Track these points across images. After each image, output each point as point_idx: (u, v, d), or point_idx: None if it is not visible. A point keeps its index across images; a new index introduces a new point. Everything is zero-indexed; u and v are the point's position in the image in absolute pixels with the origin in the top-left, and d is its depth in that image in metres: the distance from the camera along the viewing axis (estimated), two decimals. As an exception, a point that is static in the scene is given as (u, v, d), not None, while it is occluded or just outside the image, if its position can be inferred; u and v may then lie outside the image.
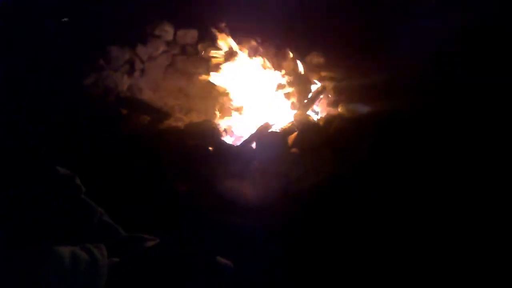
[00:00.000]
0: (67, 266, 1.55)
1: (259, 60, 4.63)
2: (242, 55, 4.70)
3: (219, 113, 4.48)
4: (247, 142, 4.01)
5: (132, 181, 3.26)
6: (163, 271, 2.02)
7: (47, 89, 3.43)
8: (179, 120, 4.07)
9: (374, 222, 3.22)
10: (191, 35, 4.97)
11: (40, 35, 4.04)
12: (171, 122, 3.97)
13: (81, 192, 2.15)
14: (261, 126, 4.12)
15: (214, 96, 4.90)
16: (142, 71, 4.65)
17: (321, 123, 4.17)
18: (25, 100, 3.28)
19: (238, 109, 4.54)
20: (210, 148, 3.70)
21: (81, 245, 1.71)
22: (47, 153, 2.77)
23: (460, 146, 3.57)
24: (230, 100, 4.73)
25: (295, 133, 4.07)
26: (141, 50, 4.61)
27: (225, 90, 4.90)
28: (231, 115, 4.51)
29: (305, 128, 4.09)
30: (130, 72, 4.47)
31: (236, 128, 4.47)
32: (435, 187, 3.34)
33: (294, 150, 3.96)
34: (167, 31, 4.79)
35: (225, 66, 4.91)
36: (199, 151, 3.60)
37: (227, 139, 4.24)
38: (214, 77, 4.86)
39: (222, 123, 4.40)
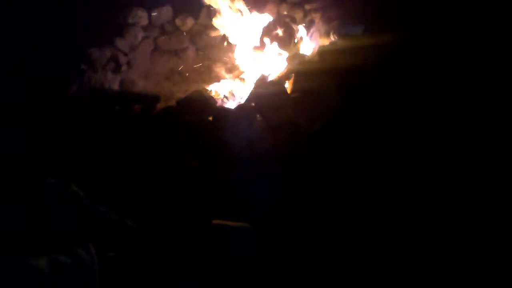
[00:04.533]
0: (46, 275, 1.50)
1: (239, 4, 4.40)
2: (224, 10, 4.48)
3: (215, 80, 4.34)
4: (247, 100, 3.85)
5: (140, 171, 3.22)
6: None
7: (33, 100, 3.42)
8: (172, 100, 3.98)
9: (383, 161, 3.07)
10: (165, 12, 4.81)
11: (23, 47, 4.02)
12: (164, 104, 3.88)
13: (79, 197, 2.10)
14: (257, 79, 3.95)
15: (207, 66, 4.78)
16: (128, 63, 4.56)
17: (315, 59, 3.94)
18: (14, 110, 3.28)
19: (233, 71, 4.38)
20: (210, 118, 3.58)
21: (63, 249, 1.67)
22: (38, 165, 2.76)
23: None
24: (224, 64, 4.59)
25: (292, 78, 3.88)
26: (121, 43, 4.51)
27: (216, 55, 4.77)
28: (227, 79, 4.36)
29: (301, 69, 3.88)
30: (117, 68, 4.39)
31: (237, 91, 4.32)
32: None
33: (295, 95, 3.77)
34: (141, 16, 4.66)
35: (208, 32, 4.76)
36: (199, 123, 3.49)
37: (230, 104, 4.12)
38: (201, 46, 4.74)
39: (221, 89, 4.26)
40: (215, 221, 2.12)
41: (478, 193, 2.67)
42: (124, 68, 4.50)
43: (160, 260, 2.03)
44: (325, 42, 4.08)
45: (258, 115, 3.60)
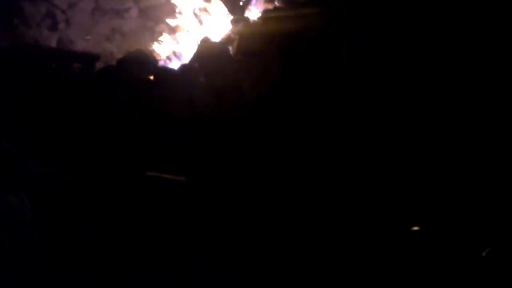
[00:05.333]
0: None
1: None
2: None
3: (157, 40, 4.26)
4: (191, 61, 3.82)
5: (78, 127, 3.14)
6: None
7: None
8: (113, 61, 3.88)
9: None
10: (107, -31, 4.62)
11: None
12: (104, 65, 3.78)
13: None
14: (200, 42, 3.92)
15: (149, 27, 4.67)
16: (67, 21, 4.36)
17: (259, 22, 3.94)
18: None
19: (176, 32, 4.31)
20: (151, 78, 3.53)
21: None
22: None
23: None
24: (167, 25, 4.49)
25: (236, 40, 3.88)
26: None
27: (159, 16, 4.66)
28: (169, 40, 4.29)
29: (245, 32, 3.88)
30: (53, 25, 4.19)
31: (178, 53, 4.27)
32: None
33: (238, 57, 3.78)
34: (80, -29, 4.44)
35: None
36: (139, 82, 3.43)
37: (173, 65, 4.07)
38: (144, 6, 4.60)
39: (163, 50, 4.19)
40: (149, 173, 2.14)
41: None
42: (61, 26, 4.31)
43: (97, 210, 2.03)
44: (269, 6, 4.08)
45: (201, 77, 3.59)
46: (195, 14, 4.26)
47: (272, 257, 2.23)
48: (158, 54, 3.99)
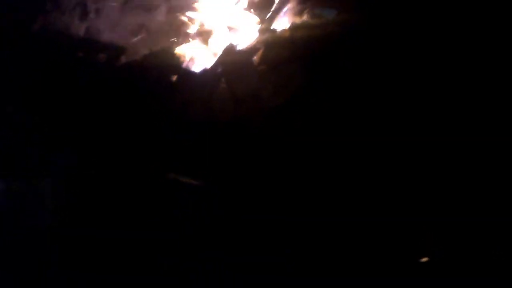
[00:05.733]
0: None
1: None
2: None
3: (183, 41, 4.29)
4: (213, 66, 3.86)
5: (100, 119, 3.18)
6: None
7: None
8: (138, 54, 3.92)
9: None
10: (142, -35, 4.68)
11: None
12: (130, 57, 3.82)
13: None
14: (226, 48, 3.96)
15: (176, 27, 4.70)
16: (97, 11, 4.42)
17: (286, 35, 3.98)
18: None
19: (202, 35, 4.35)
20: (174, 78, 3.57)
21: (20, 178, 1.67)
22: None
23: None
24: (193, 27, 4.53)
25: (261, 50, 3.91)
26: (91, -11, 4.36)
27: (188, 18, 4.70)
28: (195, 42, 4.33)
29: (271, 43, 3.91)
30: (84, 14, 4.25)
31: (203, 56, 4.30)
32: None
33: (261, 67, 3.82)
34: (116, -35, 4.51)
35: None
36: (162, 81, 3.47)
37: (196, 68, 4.10)
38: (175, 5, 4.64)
39: (187, 52, 4.23)
40: (168, 175, 2.17)
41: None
42: (91, 15, 4.37)
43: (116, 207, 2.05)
44: (298, 20, 4.11)
45: (222, 83, 3.63)
46: (224, 19, 4.30)
47: (282, 259, 2.25)
48: (182, 56, 4.02)
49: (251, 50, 3.92)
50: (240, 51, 3.85)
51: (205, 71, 3.62)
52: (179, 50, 4.08)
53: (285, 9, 4.24)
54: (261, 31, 4.05)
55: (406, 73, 3.39)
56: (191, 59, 4.12)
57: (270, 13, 4.16)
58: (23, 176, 1.69)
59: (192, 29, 4.54)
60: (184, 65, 3.85)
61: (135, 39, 4.61)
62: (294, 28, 4.00)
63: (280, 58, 3.82)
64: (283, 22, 4.28)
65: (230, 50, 3.90)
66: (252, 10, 4.15)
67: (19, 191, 1.60)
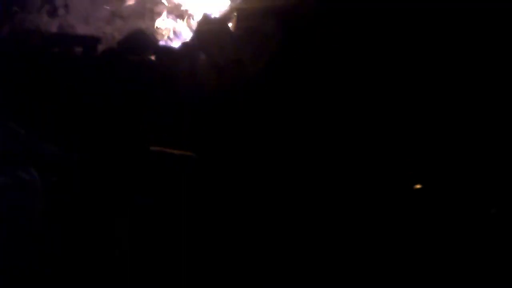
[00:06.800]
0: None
1: None
2: None
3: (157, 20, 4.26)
4: (191, 39, 3.83)
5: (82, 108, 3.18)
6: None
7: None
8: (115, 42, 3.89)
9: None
10: (102, -49, 4.59)
11: None
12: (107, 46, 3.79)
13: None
14: (200, 19, 3.91)
15: (149, 8, 4.65)
16: (66, 6, 4.37)
17: (258, -5, 3.92)
18: None
19: (176, 10, 4.31)
20: (152, 57, 3.54)
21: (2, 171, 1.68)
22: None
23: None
24: (166, 4, 4.48)
25: (235, 15, 3.88)
26: (56, -16, 4.29)
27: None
28: (170, 20, 4.29)
29: (244, 8, 3.87)
30: (52, 11, 4.21)
31: (179, 31, 4.27)
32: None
33: (238, 33, 3.78)
34: (75, -45, 4.42)
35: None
36: (141, 62, 3.45)
37: (174, 44, 4.08)
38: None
39: (163, 29, 4.20)
40: (153, 148, 2.17)
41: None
42: (61, 11, 4.32)
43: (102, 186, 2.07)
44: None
45: (202, 54, 3.60)
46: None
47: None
48: (160, 34, 4.00)
49: (225, 18, 3.89)
50: (215, 20, 3.81)
51: (183, 45, 3.59)
52: (155, 29, 4.05)
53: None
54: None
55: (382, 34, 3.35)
56: (168, 36, 4.10)
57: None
58: (7, 169, 1.69)
59: (164, 7, 4.49)
60: (162, 43, 3.82)
61: (111, 27, 4.57)
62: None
63: (255, 22, 3.79)
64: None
65: (205, 21, 3.86)
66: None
67: (4, 184, 1.61)
